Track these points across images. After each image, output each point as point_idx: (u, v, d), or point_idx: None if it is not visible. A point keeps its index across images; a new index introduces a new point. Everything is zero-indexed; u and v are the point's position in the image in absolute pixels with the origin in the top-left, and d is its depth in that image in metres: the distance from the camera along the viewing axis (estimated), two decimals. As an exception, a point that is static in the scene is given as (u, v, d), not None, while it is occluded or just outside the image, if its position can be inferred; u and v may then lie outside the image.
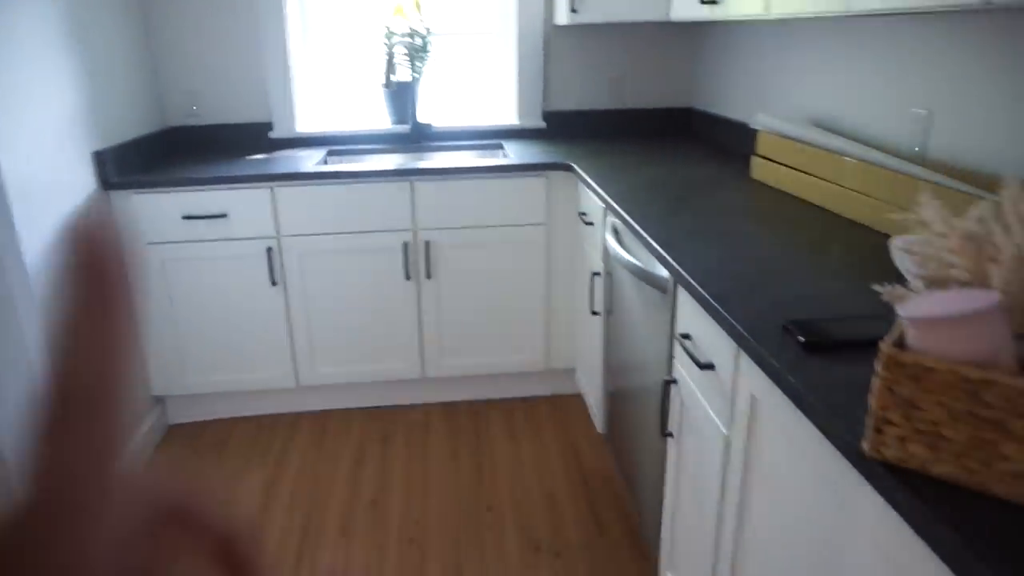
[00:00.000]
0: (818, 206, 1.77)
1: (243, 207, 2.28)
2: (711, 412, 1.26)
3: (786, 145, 1.91)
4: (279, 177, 2.27)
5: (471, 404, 2.70)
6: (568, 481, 2.25)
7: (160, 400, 2.53)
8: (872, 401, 0.72)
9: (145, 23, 2.60)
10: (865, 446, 0.74)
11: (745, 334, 1.05)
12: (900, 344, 0.71)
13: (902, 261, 0.80)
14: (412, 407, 2.68)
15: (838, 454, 0.83)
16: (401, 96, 2.78)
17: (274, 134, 2.76)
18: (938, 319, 0.66)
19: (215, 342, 2.44)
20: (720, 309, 1.15)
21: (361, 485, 2.24)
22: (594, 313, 2.14)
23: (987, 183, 1.33)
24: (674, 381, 1.45)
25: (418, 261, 2.42)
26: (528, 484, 2.24)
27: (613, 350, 2.02)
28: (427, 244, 2.39)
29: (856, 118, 1.84)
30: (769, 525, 1.08)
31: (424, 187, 2.33)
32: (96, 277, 0.20)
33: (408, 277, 2.43)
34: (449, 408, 2.67)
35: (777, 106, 2.25)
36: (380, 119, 2.88)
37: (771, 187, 1.99)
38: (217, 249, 2.32)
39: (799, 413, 0.93)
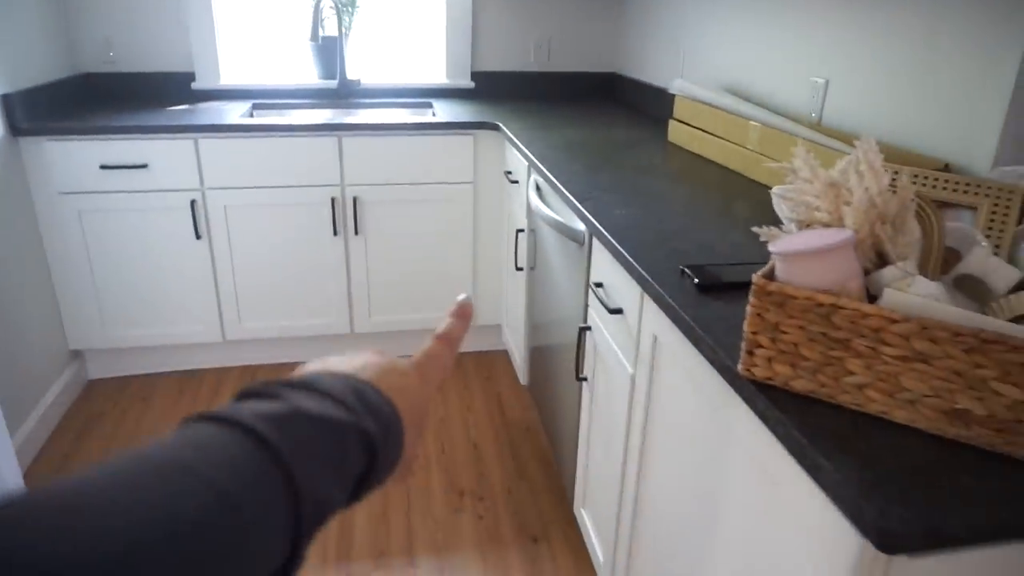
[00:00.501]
0: (725, 167, 1.89)
1: (165, 158, 2.24)
2: (619, 353, 1.36)
3: (700, 110, 2.02)
4: (203, 128, 2.24)
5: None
6: (492, 431, 2.35)
7: (78, 354, 2.49)
8: (745, 327, 0.82)
9: (56, -37, 2.49)
10: (740, 367, 0.84)
11: (648, 279, 1.15)
12: (770, 276, 0.81)
13: (779, 207, 0.89)
14: (340, 362, 2.72)
15: (719, 377, 0.94)
16: (329, 51, 2.76)
17: (197, 85, 2.69)
18: (798, 253, 0.76)
19: (137, 296, 2.40)
20: (628, 257, 1.24)
21: (288, 436, 2.28)
22: (518, 269, 2.22)
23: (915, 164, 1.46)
24: (588, 328, 1.55)
25: (346, 217, 2.43)
26: (454, 435, 2.33)
27: (536, 305, 2.11)
28: (355, 200, 2.41)
29: (764, 85, 1.95)
30: (666, 451, 1.19)
31: (352, 143, 2.34)
32: None
33: (336, 233, 2.44)
34: (377, 363, 2.72)
35: (695, 73, 2.35)
36: (307, 74, 2.85)
37: (685, 149, 2.09)
38: (138, 201, 2.27)
39: (690, 345, 1.03)
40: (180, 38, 2.66)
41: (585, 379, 1.59)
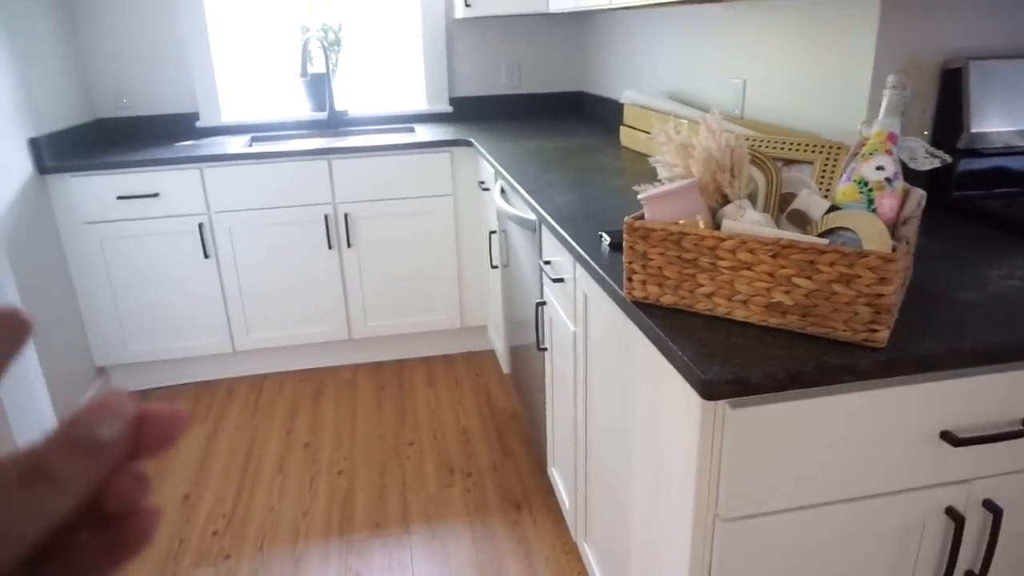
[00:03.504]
0: (668, 163, 2.13)
1: (174, 187, 2.52)
2: (564, 316, 1.59)
3: (645, 115, 2.27)
4: (208, 158, 2.52)
5: (396, 363, 2.99)
6: (480, 418, 2.57)
7: (102, 371, 2.74)
8: (624, 258, 1.05)
9: (71, 21, 2.80)
10: (623, 292, 1.07)
11: (576, 246, 1.38)
12: (640, 218, 1.04)
13: (659, 171, 1.12)
14: (341, 367, 2.96)
15: (615, 307, 1.17)
16: (318, 86, 3.05)
17: (201, 123, 2.99)
18: (653, 196, 1.00)
19: (153, 313, 2.66)
20: (563, 232, 1.47)
21: (295, 432, 2.51)
22: (493, 267, 2.46)
23: (780, 132, 1.70)
24: (544, 303, 1.78)
25: (339, 231, 2.69)
26: (445, 423, 2.55)
27: (511, 299, 2.35)
28: (346, 216, 2.67)
29: (699, 89, 2.21)
30: (599, 392, 1.41)
31: (341, 164, 2.61)
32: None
33: (330, 246, 2.70)
34: (375, 367, 2.95)
35: (644, 84, 2.61)
36: (300, 108, 3.13)
37: (632, 150, 2.34)
38: (151, 227, 2.54)
39: (600, 290, 1.26)
40: (184, 82, 2.96)
41: (545, 349, 1.82)
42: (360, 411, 2.63)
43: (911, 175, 1.08)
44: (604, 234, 1.37)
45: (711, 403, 0.88)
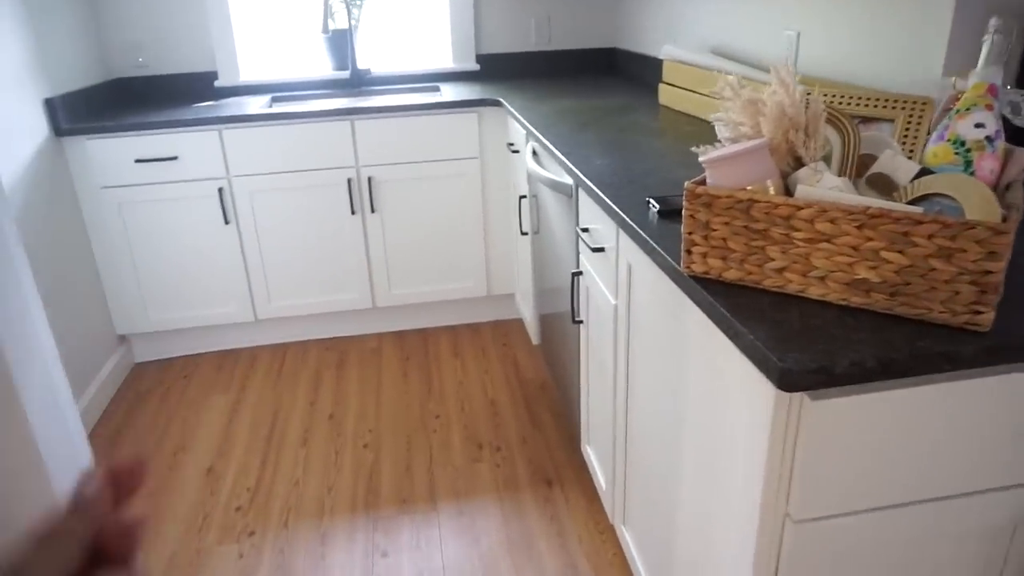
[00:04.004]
0: (704, 120, 1.99)
1: (193, 150, 2.43)
2: (603, 288, 1.49)
3: (686, 71, 2.13)
4: (227, 120, 2.42)
5: (421, 331, 2.91)
6: (508, 389, 2.49)
7: (124, 339, 2.69)
8: (683, 229, 0.94)
9: (85, -22, 2.69)
10: (681, 266, 0.97)
11: (620, 212, 1.27)
12: (701, 183, 0.93)
13: (719, 132, 1.00)
14: (365, 336, 2.89)
15: (670, 282, 1.06)
16: (340, 43, 2.92)
17: (220, 83, 2.88)
18: (719, 158, 0.88)
19: (174, 281, 2.59)
20: (604, 197, 1.36)
21: (318, 403, 2.45)
22: (523, 233, 2.35)
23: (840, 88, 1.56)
24: (580, 273, 1.67)
25: (362, 196, 2.59)
26: (472, 394, 2.47)
27: (541, 267, 2.24)
28: (370, 180, 2.57)
29: (745, 43, 2.05)
30: (643, 369, 1.31)
31: (364, 126, 2.50)
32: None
33: (353, 212, 2.61)
34: (400, 336, 2.88)
35: (685, 39, 2.45)
36: (321, 66, 3.01)
37: (673, 109, 2.20)
38: (170, 191, 2.46)
39: (650, 261, 1.15)
40: (202, 39, 2.85)
41: (581, 322, 1.72)
42: (385, 381, 2.56)
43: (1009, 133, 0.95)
44: (651, 200, 1.25)
45: (786, 394, 0.78)
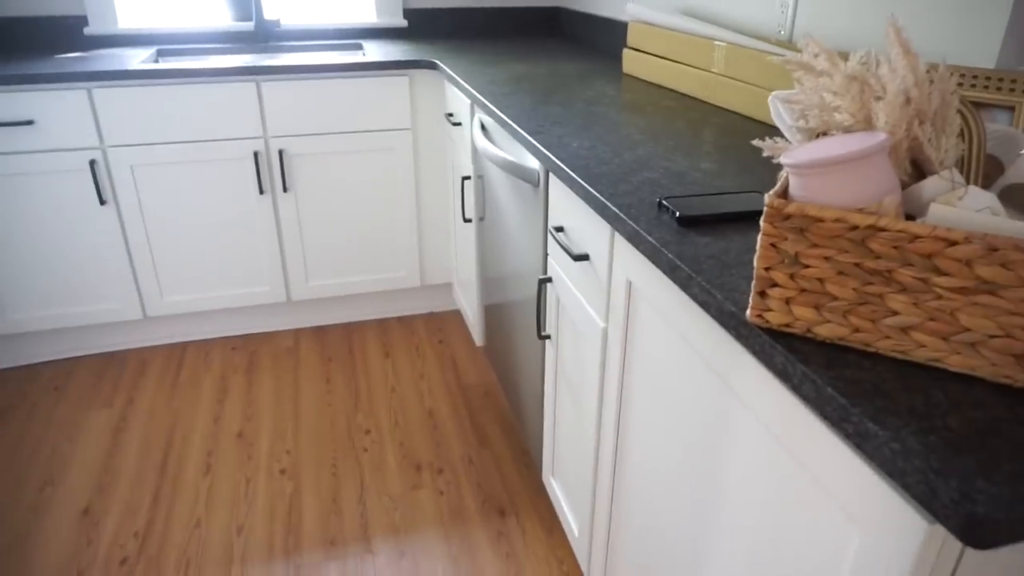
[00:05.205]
0: (686, 94, 1.72)
1: (54, 113, 1.96)
2: (587, 306, 1.19)
3: (657, 35, 1.84)
4: (98, 76, 1.95)
5: (344, 327, 2.55)
6: (448, 397, 2.18)
7: (-23, 343, 2.21)
8: (756, 262, 0.65)
9: None
10: (748, 313, 0.68)
11: (620, 214, 0.97)
12: (784, 195, 0.64)
13: (780, 116, 0.73)
14: (279, 333, 2.50)
15: (718, 327, 0.78)
16: (241, -12, 2.46)
17: (90, 30, 2.37)
18: (824, 162, 0.59)
19: (39, 273, 2.13)
20: (593, 191, 1.06)
21: (224, 419, 2.07)
22: (467, 220, 2.03)
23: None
24: (549, 280, 1.37)
25: (272, 172, 2.19)
26: (407, 403, 2.15)
27: (488, 258, 1.93)
28: (281, 153, 2.16)
29: (723, 4, 1.78)
30: (649, 419, 1.03)
31: (273, 89, 2.09)
32: None
33: (262, 191, 2.20)
34: (320, 332, 2.51)
35: (648, -2, 2.16)
36: (219, 15, 2.55)
37: (641, 79, 1.91)
38: (27, 163, 1.99)
39: (675, 289, 0.87)
40: (66, -23, 2.33)
41: (548, 337, 1.43)
42: (304, 389, 2.20)
43: None
44: (666, 202, 0.96)
45: (948, 536, 0.51)
